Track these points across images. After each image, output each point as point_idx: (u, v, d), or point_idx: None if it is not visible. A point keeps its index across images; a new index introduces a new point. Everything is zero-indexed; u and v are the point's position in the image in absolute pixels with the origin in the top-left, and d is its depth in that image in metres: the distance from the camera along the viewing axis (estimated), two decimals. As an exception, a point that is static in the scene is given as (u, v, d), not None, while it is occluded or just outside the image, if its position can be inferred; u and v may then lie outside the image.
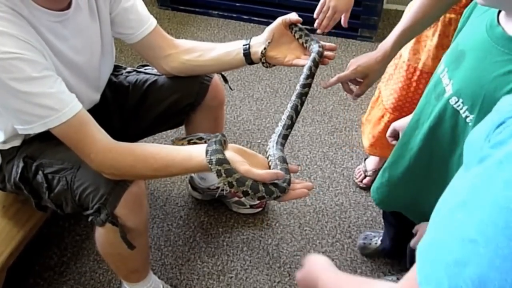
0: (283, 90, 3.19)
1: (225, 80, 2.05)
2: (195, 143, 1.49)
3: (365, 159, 2.61)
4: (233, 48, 1.75)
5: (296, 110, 1.55)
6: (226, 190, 2.37)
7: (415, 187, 1.46)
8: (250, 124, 2.94)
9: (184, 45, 1.83)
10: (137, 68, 2.04)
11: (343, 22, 1.81)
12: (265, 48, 1.67)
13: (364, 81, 1.63)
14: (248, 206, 2.42)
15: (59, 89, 1.41)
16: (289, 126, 1.53)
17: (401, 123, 1.64)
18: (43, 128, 1.40)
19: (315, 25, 1.71)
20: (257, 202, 2.40)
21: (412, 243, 1.51)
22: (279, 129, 1.52)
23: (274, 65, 1.72)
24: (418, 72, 1.98)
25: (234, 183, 1.29)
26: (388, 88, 2.16)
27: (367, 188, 2.50)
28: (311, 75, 1.59)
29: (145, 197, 1.66)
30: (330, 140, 2.83)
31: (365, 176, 2.53)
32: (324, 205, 2.48)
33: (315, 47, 1.62)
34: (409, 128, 1.43)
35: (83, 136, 1.44)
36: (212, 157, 1.33)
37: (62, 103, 1.40)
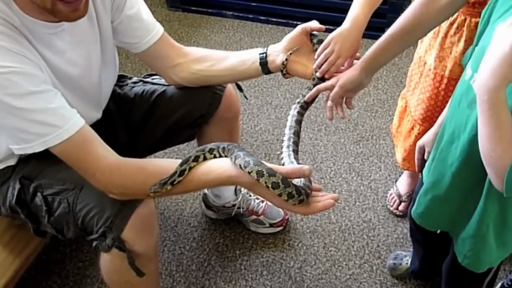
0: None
1: (240, 89, 2.07)
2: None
3: (396, 181, 2.61)
4: (248, 57, 1.78)
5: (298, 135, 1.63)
6: (243, 208, 2.39)
7: (464, 202, 1.47)
8: (268, 135, 2.96)
9: (195, 53, 1.85)
10: (143, 77, 2.06)
11: (347, 66, 1.74)
12: (286, 59, 1.71)
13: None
14: (268, 225, 2.44)
15: (59, 104, 1.43)
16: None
17: (427, 138, 1.69)
18: (43, 147, 1.41)
19: (314, 65, 1.70)
20: (278, 220, 2.44)
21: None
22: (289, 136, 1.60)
23: (292, 76, 1.76)
24: (445, 80, 1.99)
25: (280, 182, 1.33)
26: (414, 98, 2.18)
27: (403, 215, 2.50)
28: (306, 103, 1.72)
29: (155, 218, 1.68)
30: (356, 150, 2.84)
31: (400, 202, 2.52)
32: (350, 222, 2.49)
33: (317, 74, 1.71)
34: (444, 143, 1.45)
35: (86, 154, 1.46)
36: (247, 158, 1.37)
37: (63, 119, 1.41)
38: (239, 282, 2.27)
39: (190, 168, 1.46)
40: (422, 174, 1.70)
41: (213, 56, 1.85)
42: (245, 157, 1.37)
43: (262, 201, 2.44)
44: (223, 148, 1.47)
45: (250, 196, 2.44)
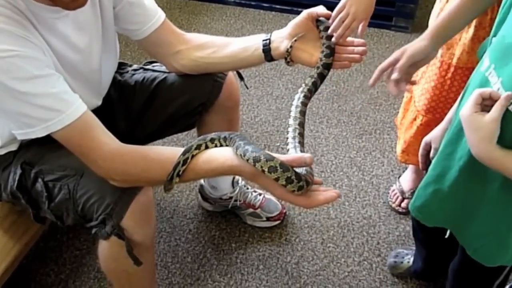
0: None
1: (241, 78, 2.09)
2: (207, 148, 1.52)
3: (399, 177, 2.62)
4: (251, 44, 1.79)
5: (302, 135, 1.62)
6: (240, 201, 2.43)
7: (470, 198, 1.45)
8: (268, 126, 2.99)
9: (196, 40, 1.87)
10: (144, 65, 2.09)
11: (360, 32, 1.76)
12: (291, 46, 1.71)
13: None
14: (265, 219, 2.47)
15: (62, 88, 1.47)
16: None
17: (434, 135, 1.68)
18: (45, 132, 1.45)
19: (329, 31, 1.69)
20: (275, 214, 2.46)
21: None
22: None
23: (296, 64, 1.76)
24: (452, 69, 2.00)
25: (278, 166, 1.33)
26: (419, 88, 2.19)
27: (406, 213, 2.52)
28: (309, 92, 1.69)
29: (153, 208, 1.72)
30: (358, 144, 2.88)
31: (403, 199, 2.54)
32: (350, 218, 2.52)
33: (321, 63, 1.71)
34: (453, 135, 1.42)
35: (89, 140, 1.49)
36: (246, 147, 1.38)
37: (65, 104, 1.45)
38: (234, 275, 2.30)
39: (193, 157, 1.49)
40: (426, 172, 1.67)
41: (215, 42, 1.87)
42: (245, 145, 1.39)
43: (260, 194, 2.48)
44: (225, 137, 1.49)
45: (248, 188, 2.47)
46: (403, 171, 2.66)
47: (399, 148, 2.44)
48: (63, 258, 2.37)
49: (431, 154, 1.69)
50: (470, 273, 1.69)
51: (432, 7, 2.09)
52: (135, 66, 2.10)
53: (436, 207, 1.58)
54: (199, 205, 2.59)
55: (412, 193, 2.39)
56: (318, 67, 1.70)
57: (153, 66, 2.07)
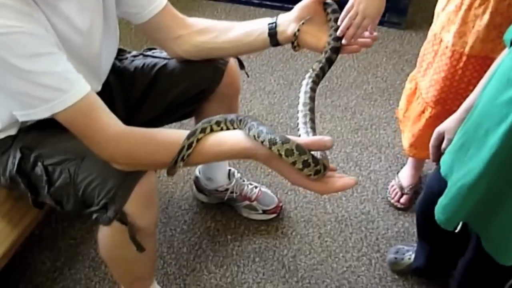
0: (299, 82, 3.12)
1: (242, 66, 2.08)
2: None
3: (397, 172, 2.63)
4: (255, 28, 1.77)
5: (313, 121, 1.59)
6: (236, 193, 2.43)
7: (497, 192, 1.40)
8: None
9: (198, 24, 1.86)
10: (143, 51, 2.07)
11: (370, 30, 1.74)
12: (298, 30, 1.69)
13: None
14: (261, 212, 2.48)
15: (65, 67, 1.45)
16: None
17: (448, 125, 1.65)
18: (48, 113, 1.43)
19: (338, 32, 1.67)
20: (272, 207, 2.47)
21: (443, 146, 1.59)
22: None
23: (302, 48, 1.74)
24: (464, 58, 1.98)
25: (295, 149, 1.29)
26: (426, 79, 2.17)
27: (405, 208, 2.53)
28: (317, 77, 1.67)
29: (156, 193, 1.71)
30: (354, 139, 2.89)
31: (402, 195, 2.54)
32: (347, 213, 2.53)
33: (330, 47, 1.69)
34: (474, 125, 1.40)
35: (92, 121, 1.47)
36: (260, 128, 1.35)
37: (69, 84, 1.43)
38: (230, 267, 2.31)
39: (198, 140, 1.46)
40: (437, 164, 1.67)
41: (217, 27, 1.85)
42: (258, 126, 1.35)
43: (255, 187, 2.48)
44: (232, 120, 1.46)
45: (244, 181, 2.48)
46: (401, 167, 2.67)
47: (406, 142, 2.42)
48: (58, 247, 2.37)
49: (444, 145, 1.66)
50: (481, 271, 1.68)
51: (426, 5, 2.07)
52: (134, 52, 2.08)
53: (460, 203, 1.50)
54: (193, 197, 2.59)
55: (411, 189, 2.48)
56: (326, 52, 1.68)
57: (153, 52, 2.05)
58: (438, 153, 1.69)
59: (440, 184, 1.60)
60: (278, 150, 1.31)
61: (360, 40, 1.70)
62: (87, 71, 1.64)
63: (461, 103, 1.64)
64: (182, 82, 1.96)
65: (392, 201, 2.56)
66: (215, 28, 1.84)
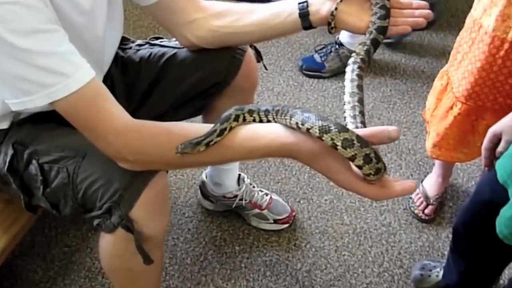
0: (310, 83, 3.15)
1: (260, 57, 1.96)
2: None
3: (422, 181, 2.53)
4: (283, 8, 1.61)
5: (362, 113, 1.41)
6: (245, 200, 2.32)
7: None
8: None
9: (215, 7, 1.71)
10: (150, 40, 1.95)
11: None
12: (336, 8, 1.53)
13: None
14: (272, 221, 2.37)
15: (68, 48, 1.31)
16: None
17: (505, 124, 1.51)
18: (46, 100, 1.29)
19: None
20: (284, 216, 2.37)
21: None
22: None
23: (340, 30, 1.60)
24: (506, 45, 1.80)
25: (355, 140, 1.09)
26: (460, 71, 2.00)
27: (429, 220, 2.43)
28: (363, 63, 1.49)
29: (167, 197, 1.58)
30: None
31: (427, 205, 2.43)
32: (366, 225, 2.43)
33: (375, 27, 1.51)
34: None
35: (98, 111, 1.33)
36: (307, 114, 1.16)
37: (72, 67, 1.29)
38: (239, 281, 2.21)
39: (231, 129, 1.29)
40: (489, 169, 1.56)
41: (237, 9, 1.69)
42: (303, 113, 1.16)
43: (266, 194, 2.38)
44: (266, 110, 1.28)
45: (254, 187, 2.37)
46: (424, 176, 2.57)
47: (429, 142, 2.25)
48: (52, 255, 2.27)
49: (500, 148, 1.52)
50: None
51: (445, 5, 1.94)
52: (139, 41, 1.95)
53: None
54: (198, 203, 2.48)
55: (437, 199, 2.41)
56: (370, 32, 1.51)
57: (161, 41, 1.93)
58: (492, 157, 1.56)
59: (492, 192, 1.50)
60: (333, 140, 1.11)
61: (408, 19, 1.53)
62: (89, 57, 1.47)
63: (496, 99, 1.50)
64: (193, 74, 1.82)
65: (416, 211, 2.44)
66: (235, 10, 1.69)
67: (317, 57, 3.18)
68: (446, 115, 2.10)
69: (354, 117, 1.33)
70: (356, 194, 1.20)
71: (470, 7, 1.92)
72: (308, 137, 1.18)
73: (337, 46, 3.15)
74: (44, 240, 2.31)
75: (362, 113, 1.34)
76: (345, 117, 1.34)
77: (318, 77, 3.16)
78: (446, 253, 2.21)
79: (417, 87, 3.13)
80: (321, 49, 3.22)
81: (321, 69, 3.15)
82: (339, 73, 3.12)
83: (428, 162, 2.65)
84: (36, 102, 1.29)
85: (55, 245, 2.30)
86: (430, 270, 2.17)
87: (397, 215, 2.46)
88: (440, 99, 2.18)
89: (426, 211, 2.42)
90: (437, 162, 2.45)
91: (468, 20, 1.96)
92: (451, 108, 2.07)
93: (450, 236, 1.94)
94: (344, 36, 3.13)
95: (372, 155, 1.11)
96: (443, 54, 3.24)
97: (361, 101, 1.38)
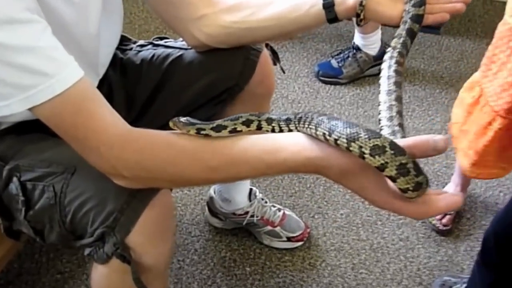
0: (326, 90, 3.08)
1: (277, 59, 1.78)
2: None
3: None
4: (304, 0, 1.45)
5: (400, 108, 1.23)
6: (257, 216, 2.18)
7: None
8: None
9: (226, 0, 1.54)
10: (153, 40, 1.80)
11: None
12: None
13: None
14: (285, 239, 2.24)
15: (50, 43, 1.12)
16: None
17: None
18: (24, 105, 1.10)
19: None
20: (298, 233, 2.24)
21: None
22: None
23: (368, 21, 1.42)
24: None
25: (387, 146, 0.92)
26: (497, 83, 1.84)
27: (446, 233, 2.33)
28: (401, 57, 1.31)
29: (172, 218, 1.41)
30: (389, 156, 2.68)
31: (445, 214, 2.33)
32: (383, 240, 2.33)
33: (410, 16, 1.35)
34: None
35: (88, 117, 1.14)
36: (334, 122, 0.99)
37: (55, 65, 1.10)
38: (251, 305, 2.11)
39: (235, 130, 1.15)
40: None
41: (251, 2, 1.53)
42: (331, 120, 0.99)
43: (279, 210, 2.25)
44: (288, 119, 1.12)
45: (266, 202, 2.23)
46: (443, 186, 2.47)
47: (465, 161, 2.08)
48: (42, 283, 2.11)
49: None
50: None
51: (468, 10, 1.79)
52: (141, 42, 1.79)
53: None
54: (205, 221, 2.36)
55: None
56: (405, 22, 1.35)
57: (165, 42, 1.77)
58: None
59: None
60: (361, 148, 0.94)
61: (446, 6, 1.36)
62: (80, 58, 1.26)
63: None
64: (201, 77, 1.66)
65: (434, 221, 2.35)
66: (249, 4, 1.52)
67: (334, 62, 3.14)
68: (485, 131, 1.94)
69: (391, 118, 1.15)
70: (396, 214, 1.03)
71: (487, 12, 1.79)
72: (337, 150, 1.01)
73: (354, 51, 3.11)
74: (33, 267, 2.17)
75: (400, 113, 1.17)
76: (379, 120, 1.16)
77: (335, 84, 3.11)
78: (465, 267, 2.19)
79: (436, 93, 3.09)
80: (338, 54, 3.18)
81: (338, 75, 3.10)
82: (356, 79, 3.11)
83: (447, 172, 2.57)
84: (12, 107, 1.11)
85: (46, 272, 2.15)
86: (451, 287, 2.09)
87: (414, 229, 2.38)
88: (471, 112, 2.02)
89: (444, 220, 2.33)
90: (456, 171, 2.38)
91: (502, 28, 1.81)
92: (490, 124, 1.91)
93: (469, 249, 2.01)
94: (357, 39, 3.08)
95: (409, 165, 0.92)
96: (461, 59, 3.23)
97: (399, 99, 1.20)
